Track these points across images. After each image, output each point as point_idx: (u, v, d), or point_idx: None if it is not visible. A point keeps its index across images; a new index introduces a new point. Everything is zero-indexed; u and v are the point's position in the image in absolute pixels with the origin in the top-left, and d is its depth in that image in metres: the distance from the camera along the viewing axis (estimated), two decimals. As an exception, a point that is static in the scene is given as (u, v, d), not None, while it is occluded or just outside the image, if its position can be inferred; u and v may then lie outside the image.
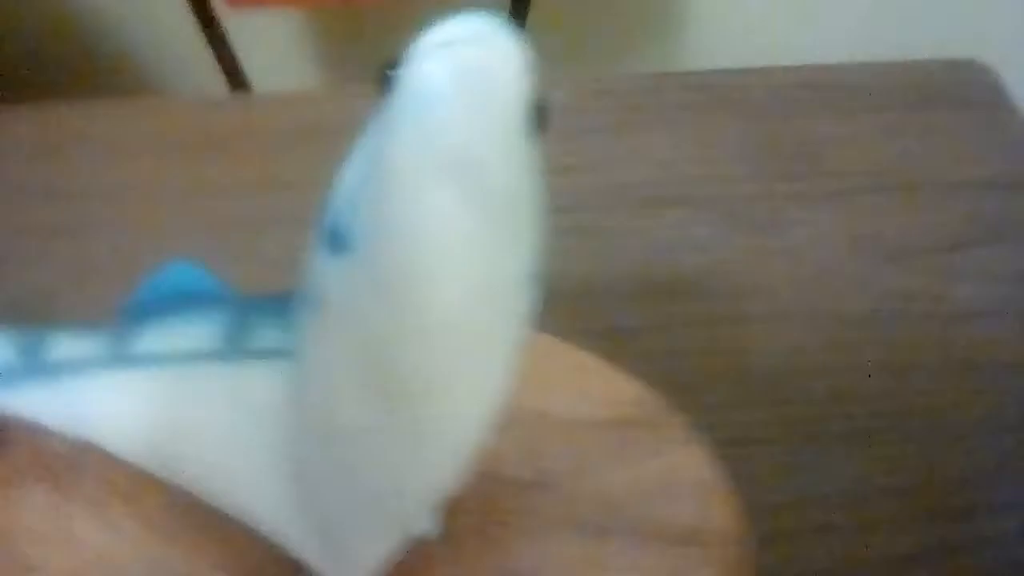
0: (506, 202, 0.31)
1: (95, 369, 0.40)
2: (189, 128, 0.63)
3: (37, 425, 0.41)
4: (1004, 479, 0.48)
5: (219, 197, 0.59)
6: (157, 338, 0.40)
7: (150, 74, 1.31)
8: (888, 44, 0.81)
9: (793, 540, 0.46)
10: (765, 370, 0.52)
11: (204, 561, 0.41)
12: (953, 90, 0.66)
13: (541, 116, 0.30)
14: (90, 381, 0.40)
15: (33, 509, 0.42)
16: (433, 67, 0.29)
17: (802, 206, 0.59)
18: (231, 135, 0.63)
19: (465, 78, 0.29)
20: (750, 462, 0.47)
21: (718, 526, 0.41)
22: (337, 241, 0.32)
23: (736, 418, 0.50)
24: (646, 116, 0.64)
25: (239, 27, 1.11)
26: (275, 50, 1.28)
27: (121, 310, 0.41)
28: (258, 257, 0.54)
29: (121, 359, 0.40)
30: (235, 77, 1.09)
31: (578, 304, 0.54)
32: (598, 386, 0.47)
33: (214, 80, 1.11)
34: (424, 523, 0.38)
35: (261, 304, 0.40)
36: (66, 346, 0.41)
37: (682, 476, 0.43)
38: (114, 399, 0.40)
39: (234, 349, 0.39)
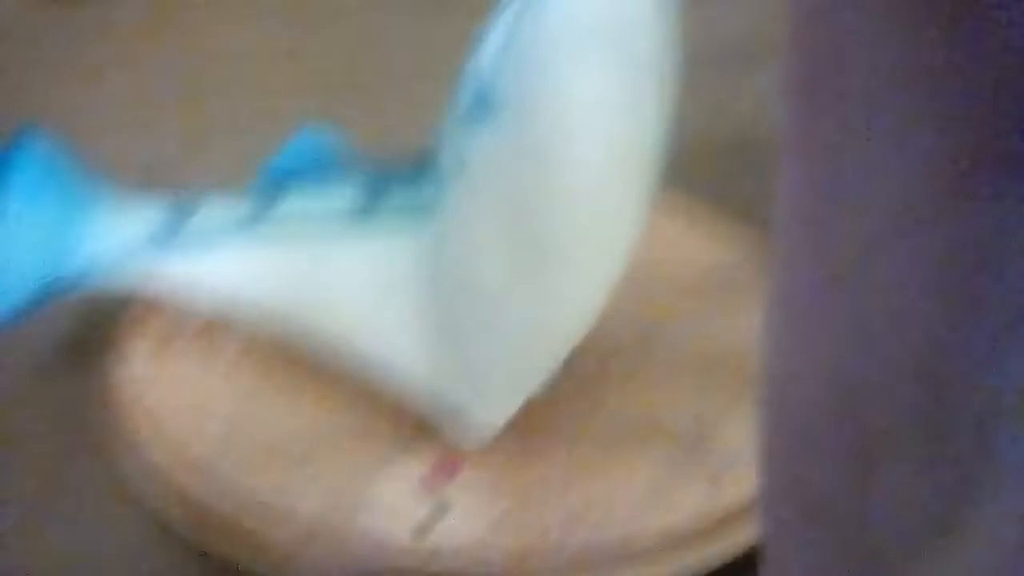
0: (647, 69, 0.32)
1: (241, 233, 0.43)
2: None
3: (182, 292, 0.43)
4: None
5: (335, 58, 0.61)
6: (298, 200, 0.42)
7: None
8: None
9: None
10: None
11: (334, 426, 0.42)
12: None
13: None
14: (233, 251, 0.43)
15: (175, 382, 0.44)
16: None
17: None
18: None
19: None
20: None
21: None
22: (482, 104, 0.33)
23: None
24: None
25: None
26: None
27: (261, 172, 0.43)
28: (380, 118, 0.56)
29: (266, 221, 0.42)
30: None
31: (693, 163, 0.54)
32: (705, 244, 0.49)
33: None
34: (554, 369, 0.40)
35: (395, 167, 0.41)
36: (214, 211, 0.43)
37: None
38: (254, 267, 0.42)
39: (373, 209, 0.41)
